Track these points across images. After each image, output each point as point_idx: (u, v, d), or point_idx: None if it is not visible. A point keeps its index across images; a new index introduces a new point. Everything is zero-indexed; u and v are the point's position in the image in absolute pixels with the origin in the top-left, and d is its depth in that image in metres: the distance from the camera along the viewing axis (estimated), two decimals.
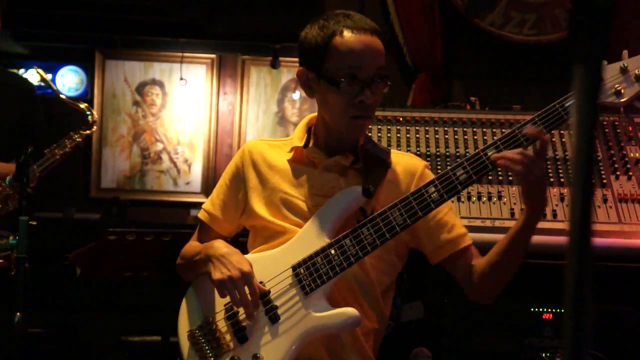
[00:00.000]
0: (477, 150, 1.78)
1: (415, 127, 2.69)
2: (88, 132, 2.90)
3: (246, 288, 1.76)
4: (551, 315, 2.35)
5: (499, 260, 1.81)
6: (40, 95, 3.07)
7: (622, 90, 1.82)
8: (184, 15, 6.10)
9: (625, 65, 1.83)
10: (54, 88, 2.93)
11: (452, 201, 2.15)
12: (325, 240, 1.80)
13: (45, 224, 3.58)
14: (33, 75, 6.58)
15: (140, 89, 6.77)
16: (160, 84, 6.77)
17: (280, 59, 6.44)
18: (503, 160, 1.72)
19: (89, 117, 2.91)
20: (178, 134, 6.75)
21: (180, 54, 6.65)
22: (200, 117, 6.75)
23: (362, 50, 1.79)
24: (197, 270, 1.91)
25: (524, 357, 2.34)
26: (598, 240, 2.12)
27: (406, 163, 1.95)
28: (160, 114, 6.76)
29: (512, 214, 2.37)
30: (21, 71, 6.53)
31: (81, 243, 3.06)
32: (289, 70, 6.61)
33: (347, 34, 1.79)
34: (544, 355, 2.31)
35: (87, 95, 6.62)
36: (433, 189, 1.77)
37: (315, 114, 1.98)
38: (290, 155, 1.95)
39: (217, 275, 1.77)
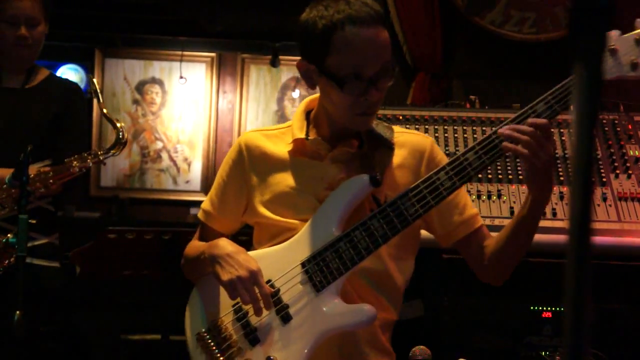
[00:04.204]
0: (488, 133, 1.70)
1: (415, 125, 2.69)
2: (114, 151, 2.77)
3: (255, 288, 1.70)
4: (551, 313, 2.35)
5: (506, 244, 1.76)
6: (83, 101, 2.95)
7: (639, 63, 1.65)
8: (184, 13, 6.11)
9: None
10: (100, 100, 2.79)
11: None
12: (333, 234, 1.72)
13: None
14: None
15: (140, 87, 6.76)
16: (160, 83, 6.77)
17: (280, 57, 6.44)
18: (510, 137, 1.63)
19: (121, 138, 2.78)
20: (178, 133, 6.75)
21: (180, 53, 6.64)
22: (199, 115, 6.75)
23: (366, 47, 1.68)
24: (202, 271, 1.84)
25: (523, 355, 2.34)
26: (597, 239, 2.12)
27: (413, 143, 1.86)
28: (160, 113, 6.76)
29: (512, 212, 2.36)
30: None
31: (81, 242, 3.07)
32: (289, 68, 6.61)
33: (348, 28, 1.67)
34: (543, 353, 2.31)
35: (86, 94, 6.59)
36: (444, 176, 1.68)
37: (313, 97, 1.89)
38: (291, 147, 1.84)
39: (225, 276, 1.70)
